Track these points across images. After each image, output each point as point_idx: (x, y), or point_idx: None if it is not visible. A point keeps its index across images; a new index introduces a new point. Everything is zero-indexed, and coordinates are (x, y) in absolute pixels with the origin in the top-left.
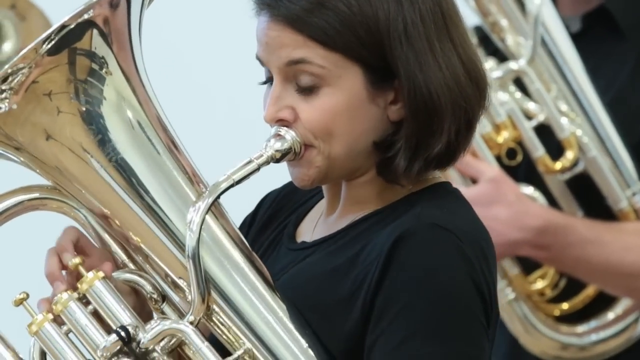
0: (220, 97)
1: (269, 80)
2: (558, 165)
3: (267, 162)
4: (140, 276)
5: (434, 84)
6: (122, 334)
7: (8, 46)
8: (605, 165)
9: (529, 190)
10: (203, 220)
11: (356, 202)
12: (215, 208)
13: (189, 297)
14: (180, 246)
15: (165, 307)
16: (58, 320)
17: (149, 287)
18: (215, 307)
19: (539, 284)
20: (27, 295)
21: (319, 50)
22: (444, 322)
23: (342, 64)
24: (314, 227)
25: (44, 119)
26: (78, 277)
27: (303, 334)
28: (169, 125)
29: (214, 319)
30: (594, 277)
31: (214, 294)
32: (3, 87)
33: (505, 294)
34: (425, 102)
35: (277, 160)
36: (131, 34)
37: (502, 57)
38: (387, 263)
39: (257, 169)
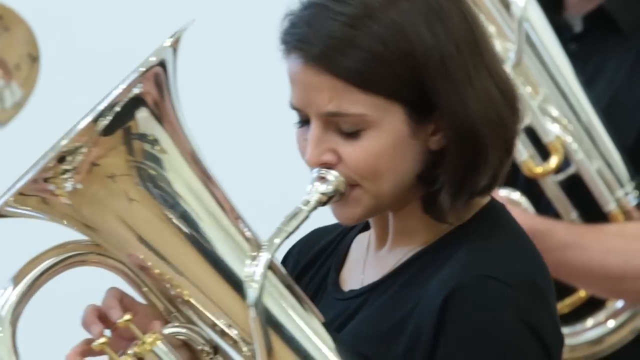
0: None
1: (305, 122)
2: (539, 169)
3: (315, 208)
4: (190, 329)
5: (476, 118)
6: None
7: None
8: (593, 168)
9: (515, 195)
10: (265, 273)
11: (405, 233)
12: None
13: (244, 348)
14: (234, 294)
15: (219, 358)
16: None
17: (200, 340)
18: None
19: None
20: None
21: (358, 96)
22: None
23: (383, 106)
24: (364, 264)
25: (111, 201)
26: (124, 335)
27: None
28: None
29: None
30: (577, 280)
31: (279, 342)
32: (65, 167)
33: None
34: (469, 136)
35: (324, 204)
36: (173, 103)
37: None
38: (440, 321)
39: (307, 216)
